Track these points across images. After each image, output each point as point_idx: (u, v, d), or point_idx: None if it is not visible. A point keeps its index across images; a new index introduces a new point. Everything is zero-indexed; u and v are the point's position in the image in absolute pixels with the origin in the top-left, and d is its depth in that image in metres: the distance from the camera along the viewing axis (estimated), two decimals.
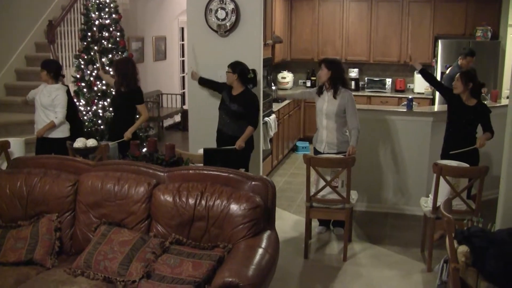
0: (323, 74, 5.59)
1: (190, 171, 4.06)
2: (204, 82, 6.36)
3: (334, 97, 5.56)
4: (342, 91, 5.56)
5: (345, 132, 5.68)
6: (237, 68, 5.78)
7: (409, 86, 10.34)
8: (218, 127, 5.95)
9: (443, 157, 5.59)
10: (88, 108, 7.74)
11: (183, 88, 12.75)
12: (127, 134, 6.01)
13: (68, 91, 6.43)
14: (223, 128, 5.87)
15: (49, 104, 6.08)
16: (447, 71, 7.88)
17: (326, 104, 5.61)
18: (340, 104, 5.55)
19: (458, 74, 5.55)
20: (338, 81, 5.58)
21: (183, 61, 12.76)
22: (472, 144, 5.48)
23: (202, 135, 6.12)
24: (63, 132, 6.21)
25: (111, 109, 6.49)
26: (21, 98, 8.06)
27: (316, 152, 5.74)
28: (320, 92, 5.70)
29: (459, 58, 7.44)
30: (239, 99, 5.80)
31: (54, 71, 6.20)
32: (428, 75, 5.91)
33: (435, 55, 9.49)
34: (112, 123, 6.44)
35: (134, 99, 6.23)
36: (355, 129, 5.54)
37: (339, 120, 5.60)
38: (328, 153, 5.58)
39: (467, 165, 5.10)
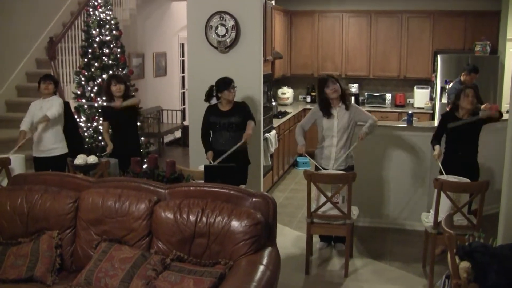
0: (338, 89, 5.55)
1: (191, 188, 4.06)
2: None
3: (347, 109, 5.61)
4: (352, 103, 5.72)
5: (350, 153, 5.73)
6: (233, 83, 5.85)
7: (409, 101, 10.36)
8: (217, 149, 5.84)
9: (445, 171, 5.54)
10: (89, 124, 7.75)
11: (184, 104, 12.78)
12: (121, 104, 6.11)
13: (68, 106, 6.45)
14: (224, 147, 5.79)
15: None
16: (449, 86, 7.88)
17: (336, 121, 5.59)
18: (350, 116, 5.61)
19: (469, 91, 5.46)
20: (346, 94, 5.69)
21: (183, 77, 12.81)
22: (473, 156, 5.50)
23: (203, 151, 6.12)
24: (62, 149, 6.23)
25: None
26: (22, 115, 8.07)
27: (323, 169, 5.67)
28: (328, 114, 5.63)
29: (462, 74, 7.39)
30: (236, 110, 5.87)
31: (57, 84, 6.29)
32: (436, 139, 5.73)
33: (434, 70, 9.52)
34: (114, 140, 6.38)
35: (132, 107, 6.26)
36: (371, 119, 5.67)
37: (349, 135, 5.66)
38: (337, 170, 5.58)
39: (468, 180, 5.10)
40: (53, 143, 6.19)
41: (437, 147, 5.60)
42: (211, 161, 5.59)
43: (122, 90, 6.14)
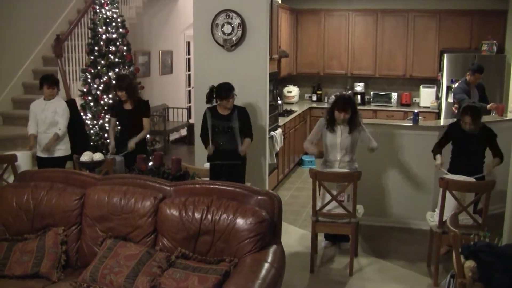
0: (347, 116, 5.43)
1: (196, 185, 4.07)
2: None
3: (349, 133, 5.50)
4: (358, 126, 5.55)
5: (355, 163, 5.65)
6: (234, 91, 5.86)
7: (415, 100, 10.34)
8: (216, 149, 5.89)
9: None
10: (95, 122, 7.77)
11: (189, 102, 12.78)
12: (131, 145, 6.08)
13: (74, 104, 6.45)
14: (222, 147, 5.87)
15: (55, 119, 6.14)
16: (455, 85, 7.86)
17: (339, 138, 5.51)
18: (352, 138, 5.52)
19: (466, 118, 5.36)
20: (355, 118, 5.52)
21: (189, 75, 12.82)
22: (480, 168, 5.47)
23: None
24: (65, 150, 6.25)
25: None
26: (28, 112, 8.11)
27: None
28: (332, 129, 5.54)
29: (467, 74, 7.35)
30: (236, 114, 5.89)
31: (58, 84, 6.30)
32: (439, 148, 5.71)
33: (440, 69, 9.50)
34: (120, 139, 6.41)
35: (143, 112, 6.27)
36: (374, 143, 5.60)
37: (353, 152, 5.60)
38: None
39: (473, 180, 5.09)
40: (56, 144, 6.20)
41: (438, 156, 5.57)
42: (215, 148, 5.76)
43: (124, 96, 6.24)
